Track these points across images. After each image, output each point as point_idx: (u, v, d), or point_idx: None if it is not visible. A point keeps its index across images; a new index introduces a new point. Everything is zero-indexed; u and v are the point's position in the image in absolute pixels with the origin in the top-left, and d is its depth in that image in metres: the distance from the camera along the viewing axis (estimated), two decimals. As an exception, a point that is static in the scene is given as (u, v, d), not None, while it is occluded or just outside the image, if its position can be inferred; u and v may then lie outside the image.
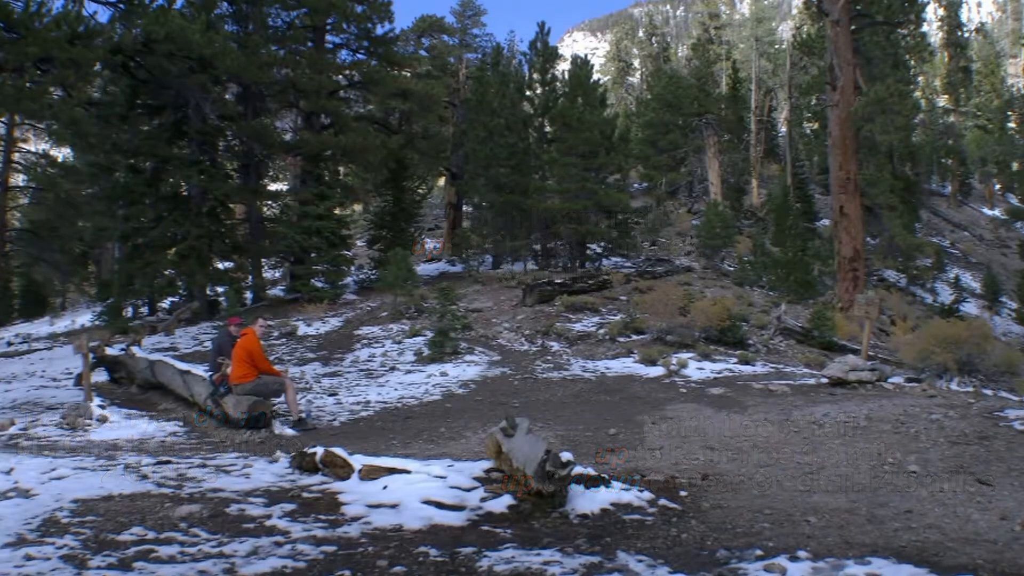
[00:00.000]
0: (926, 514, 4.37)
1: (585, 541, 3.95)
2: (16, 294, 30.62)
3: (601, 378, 10.71)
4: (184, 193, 19.71)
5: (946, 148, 40.23)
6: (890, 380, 9.15)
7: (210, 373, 9.04)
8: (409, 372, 11.76)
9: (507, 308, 16.62)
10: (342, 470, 4.96)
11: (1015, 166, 42.20)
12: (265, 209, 23.05)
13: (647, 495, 4.71)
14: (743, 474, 5.47)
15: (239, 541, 3.79)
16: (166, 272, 19.35)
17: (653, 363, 11.22)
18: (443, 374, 11.31)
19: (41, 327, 24.32)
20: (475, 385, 10.57)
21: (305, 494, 4.72)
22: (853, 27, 18.35)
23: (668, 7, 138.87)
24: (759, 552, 3.75)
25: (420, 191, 28.50)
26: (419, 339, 13.86)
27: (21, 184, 30.07)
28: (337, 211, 21.99)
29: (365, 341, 14.60)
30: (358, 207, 34.64)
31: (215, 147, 20.46)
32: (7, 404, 10.37)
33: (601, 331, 13.89)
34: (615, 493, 4.62)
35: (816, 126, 30.82)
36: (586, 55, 24.89)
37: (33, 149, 29.82)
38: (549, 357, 12.42)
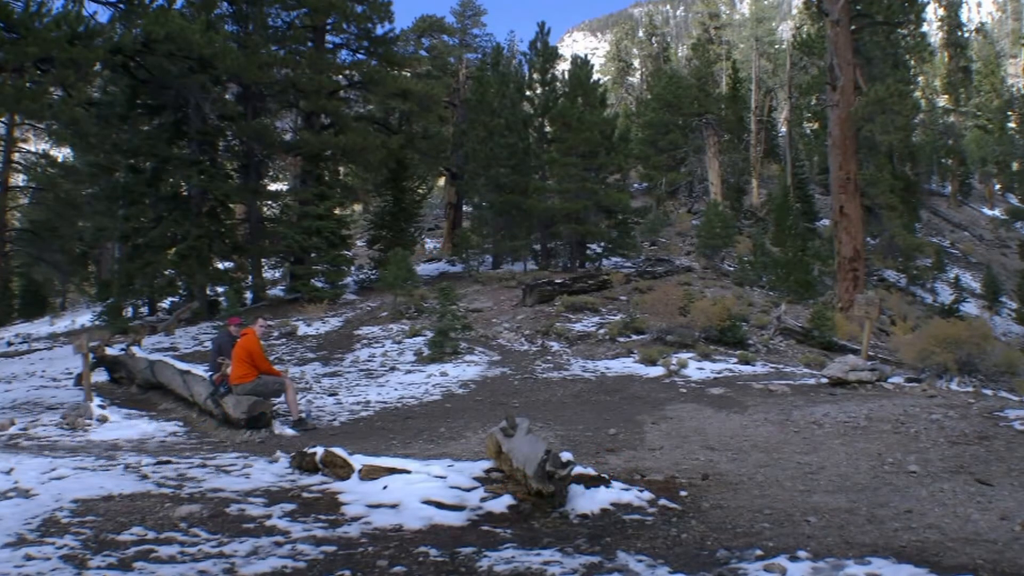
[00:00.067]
0: (926, 514, 4.37)
1: (585, 541, 3.95)
2: (16, 294, 30.63)
3: (601, 378, 10.71)
4: (184, 193, 19.71)
5: (946, 148, 40.24)
6: (890, 380, 9.15)
7: (210, 373, 9.04)
8: (409, 372, 11.76)
9: (507, 308, 16.62)
10: (342, 470, 4.96)
11: (1015, 166, 42.24)
12: (265, 209, 23.04)
13: (647, 495, 4.71)
14: (743, 474, 5.47)
15: (239, 541, 3.79)
16: (166, 272, 19.35)
17: (653, 363, 11.22)
18: (443, 374, 11.31)
19: (41, 327, 24.32)
20: (475, 385, 10.57)
21: (305, 494, 4.72)
22: (853, 27, 18.35)
23: (668, 7, 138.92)
24: (759, 552, 3.75)
25: (420, 191, 28.48)
26: (419, 339, 13.86)
27: (21, 184, 30.07)
28: (337, 211, 21.99)
29: (365, 341, 14.60)
30: (358, 207, 34.64)
31: (215, 147, 20.46)
32: (7, 404, 10.37)
33: (601, 331, 13.89)
34: (615, 493, 4.62)
35: (816, 126, 30.84)
36: (586, 55, 24.87)
37: (33, 149, 29.82)
38: (549, 357, 12.42)
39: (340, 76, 21.84)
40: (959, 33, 49.25)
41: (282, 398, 8.40)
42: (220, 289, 19.66)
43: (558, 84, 24.06)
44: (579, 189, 20.96)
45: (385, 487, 4.59)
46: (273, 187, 27.05)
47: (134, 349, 11.74)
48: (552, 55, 24.11)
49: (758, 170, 37.80)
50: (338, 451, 5.13)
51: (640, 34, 63.11)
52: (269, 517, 4.21)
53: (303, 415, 8.37)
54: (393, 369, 12.12)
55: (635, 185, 35.67)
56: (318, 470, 5.19)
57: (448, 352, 12.32)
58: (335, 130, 20.70)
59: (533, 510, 4.39)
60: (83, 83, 16.36)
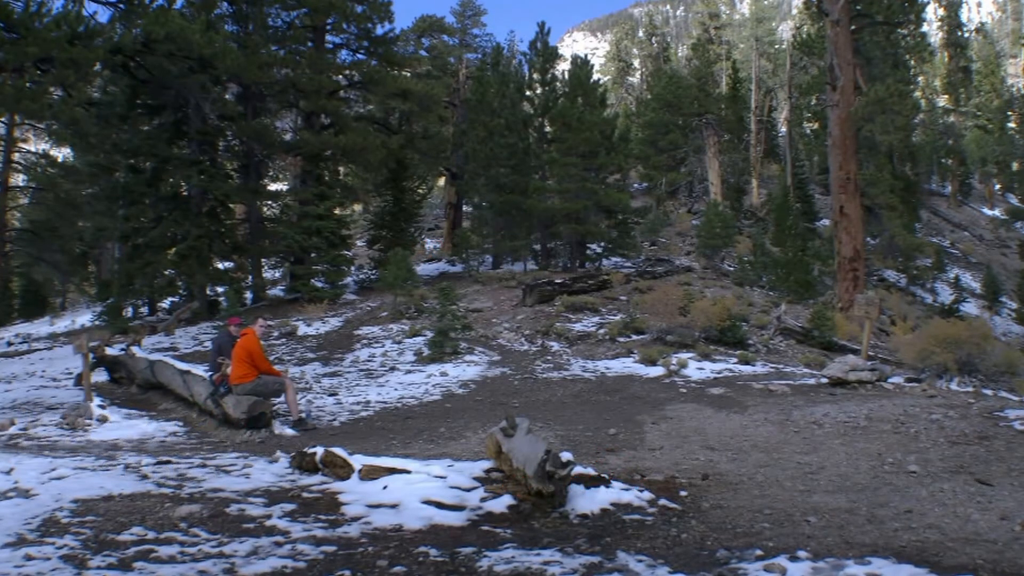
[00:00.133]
0: (926, 514, 4.37)
1: (585, 541, 3.95)
2: (16, 294, 30.63)
3: (601, 378, 10.71)
4: (184, 193, 19.71)
5: (946, 148, 40.24)
6: (890, 380, 9.15)
7: (210, 373, 9.04)
8: (409, 372, 11.76)
9: (507, 308, 16.62)
10: (342, 470, 4.96)
11: (1015, 166, 42.23)
12: (265, 209, 23.04)
13: (647, 495, 4.71)
14: (743, 474, 5.47)
15: (239, 541, 3.79)
16: (166, 272, 19.35)
17: (653, 363, 11.22)
18: (443, 374, 11.31)
19: (41, 327, 24.32)
20: (475, 385, 10.57)
21: (305, 494, 4.72)
22: (853, 27, 18.35)
23: (668, 7, 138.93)
24: (759, 552, 3.75)
25: (420, 191, 28.48)
26: (419, 339, 13.86)
27: (21, 184, 30.07)
28: (337, 211, 21.99)
29: (365, 341, 14.60)
30: (358, 207, 34.63)
31: (215, 147, 20.46)
32: (7, 404, 10.37)
33: (601, 331, 13.89)
34: (615, 493, 4.62)
35: (816, 126, 30.84)
36: (586, 55, 24.87)
37: (33, 149, 29.82)
38: (549, 357, 12.42)
39: (340, 76, 21.84)
40: (959, 33, 49.24)
41: (282, 398, 8.40)
42: (220, 289, 19.66)
43: (558, 84, 24.06)
44: (579, 189, 20.97)
45: (385, 487, 4.59)
46: (273, 187, 27.05)
47: (134, 349, 11.75)
48: (552, 55, 24.11)
49: (758, 170, 37.80)
50: (338, 451, 5.13)
51: (640, 34, 63.11)
52: (269, 517, 4.21)
53: (303, 415, 8.37)
54: (393, 369, 12.12)
55: (635, 185, 35.67)
56: (318, 470, 5.19)
57: (448, 352, 12.32)
58: (335, 130, 20.70)
59: (533, 510, 4.39)
60: (83, 83, 16.36)
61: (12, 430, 8.06)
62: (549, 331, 13.92)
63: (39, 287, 31.55)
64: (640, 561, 3.62)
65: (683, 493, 4.94)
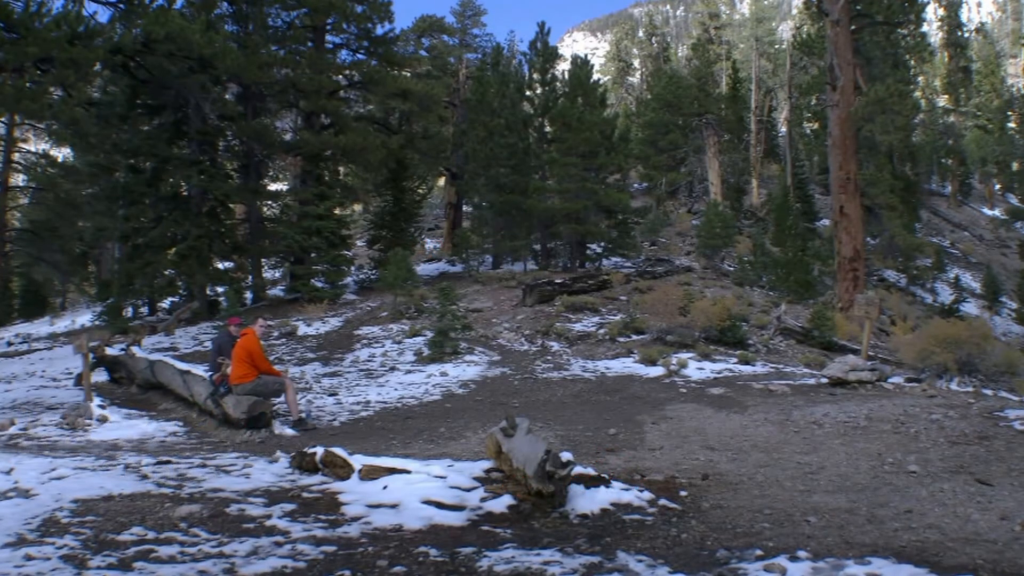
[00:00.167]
0: (926, 514, 4.37)
1: (585, 541, 3.95)
2: (16, 294, 30.63)
3: (601, 378, 10.71)
4: (184, 193, 19.71)
5: (946, 148, 40.24)
6: (890, 380, 9.15)
7: (210, 373, 9.04)
8: (409, 372, 11.76)
9: (507, 308, 16.62)
10: (342, 470, 4.96)
11: (1015, 166, 42.24)
12: (265, 209, 23.04)
13: (647, 495, 4.71)
14: (743, 474, 5.47)
15: (239, 541, 3.79)
16: (166, 272, 19.35)
17: (653, 363, 11.22)
18: (443, 374, 11.31)
19: (41, 327, 24.32)
20: (475, 385, 10.57)
21: (305, 494, 4.72)
22: (853, 27, 18.35)
23: (668, 7, 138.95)
24: (759, 552, 3.75)
25: (420, 191, 28.48)
26: (419, 339, 13.86)
27: (21, 184, 30.07)
28: (337, 211, 21.99)
29: (365, 341, 14.60)
30: (358, 207, 34.64)
31: (215, 147, 20.46)
32: (7, 404, 10.37)
33: (601, 331, 13.89)
34: (615, 493, 4.62)
35: (816, 126, 30.84)
36: (586, 55, 24.87)
37: (33, 149, 29.82)
38: (549, 357, 12.42)
39: (340, 76, 21.84)
40: (959, 33, 49.24)
41: (282, 398, 8.40)
42: (220, 289, 19.66)
43: (558, 84, 24.06)
44: (579, 189, 20.97)
45: (385, 487, 4.59)
46: (273, 187, 27.06)
47: (134, 349, 11.75)
48: (552, 55, 24.11)
49: (758, 170, 37.80)
50: (338, 451, 5.13)
51: (640, 34, 63.11)
52: (269, 517, 4.21)
53: (303, 415, 8.37)
54: (393, 369, 12.12)
55: (635, 185, 35.67)
56: (318, 470, 5.19)
57: (448, 352, 12.32)
58: (335, 130, 20.70)
59: (533, 510, 4.39)
60: (83, 83, 16.36)
61: (12, 430, 8.06)
62: (549, 331, 13.92)
63: (39, 287, 31.55)
64: (640, 561, 3.62)
65: (683, 493, 4.94)
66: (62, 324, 24.12)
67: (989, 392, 8.69)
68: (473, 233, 24.42)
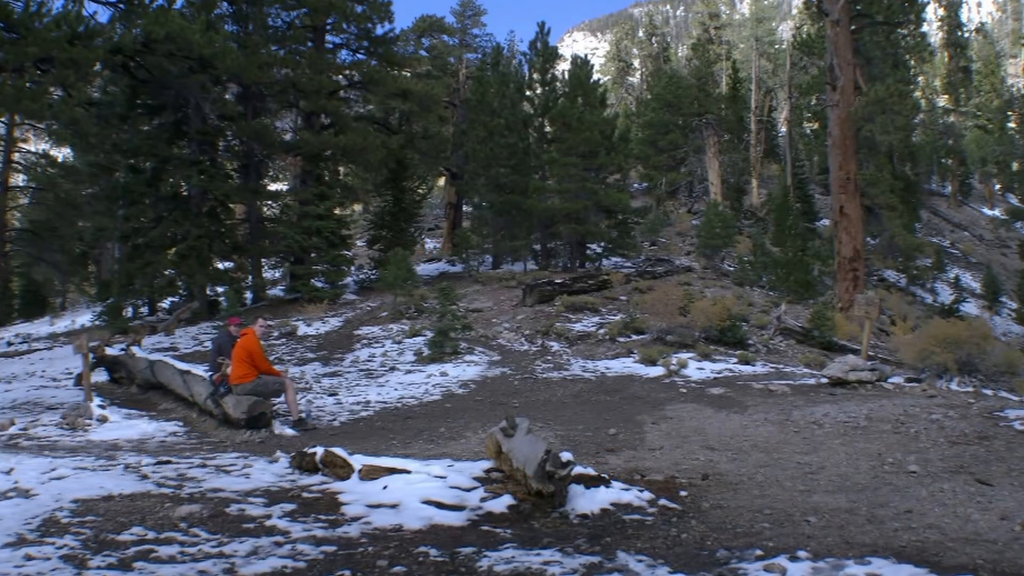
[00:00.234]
0: (926, 514, 4.37)
1: (585, 541, 3.95)
2: (16, 294, 30.63)
3: (601, 378, 10.71)
4: (184, 193, 19.71)
5: (946, 148, 40.24)
6: (890, 380, 9.14)
7: (210, 373, 9.04)
8: (409, 372, 11.76)
9: (507, 308, 16.62)
10: (342, 470, 4.96)
11: (1015, 166, 42.23)
12: (265, 209, 23.04)
13: (647, 495, 4.71)
14: (743, 474, 5.47)
15: (239, 541, 3.79)
16: (166, 272, 19.35)
17: (653, 363, 11.22)
18: (443, 374, 11.31)
19: (41, 327, 24.32)
20: (475, 385, 10.57)
21: (305, 494, 4.72)
22: (853, 27, 18.35)
23: (668, 7, 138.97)
24: (759, 552, 3.75)
25: (420, 191, 28.49)
26: (419, 339, 13.86)
27: (21, 184, 30.07)
28: (337, 211, 21.99)
29: (365, 341, 14.60)
30: (358, 207, 34.64)
31: (215, 147, 20.46)
32: (7, 404, 10.37)
33: (601, 331, 13.89)
34: (615, 493, 4.62)
35: (816, 126, 30.85)
36: (586, 55, 24.87)
37: (33, 149, 29.82)
38: (549, 357, 12.42)
39: (340, 76, 21.84)
40: (959, 33, 49.26)
41: (282, 398, 8.40)
42: (220, 289, 19.66)
43: (558, 84, 24.06)
44: (579, 189, 20.97)
45: (385, 487, 4.59)
46: (273, 187, 27.06)
47: (134, 349, 11.75)
48: (552, 55, 24.11)
49: (758, 170, 37.81)
50: (338, 451, 5.13)
51: (640, 34, 63.11)
52: (269, 517, 4.21)
53: (303, 415, 8.37)
54: (393, 369, 12.12)
55: (635, 185, 35.67)
56: (318, 470, 5.19)
57: (448, 352, 12.32)
58: (335, 130, 20.70)
59: (533, 510, 4.39)
60: (83, 83, 16.35)
61: (12, 430, 8.06)
62: (549, 331, 13.92)
63: (39, 287, 31.55)
64: (640, 561, 3.62)
65: (683, 493, 4.94)
66: (62, 324, 24.12)
67: (989, 392, 8.69)
68: (473, 233, 24.42)
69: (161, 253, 19.30)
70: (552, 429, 7.38)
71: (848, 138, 17.74)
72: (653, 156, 33.33)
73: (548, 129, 23.86)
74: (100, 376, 11.71)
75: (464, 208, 29.80)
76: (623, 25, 71.17)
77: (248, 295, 21.06)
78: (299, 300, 19.11)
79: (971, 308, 24.51)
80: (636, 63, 60.02)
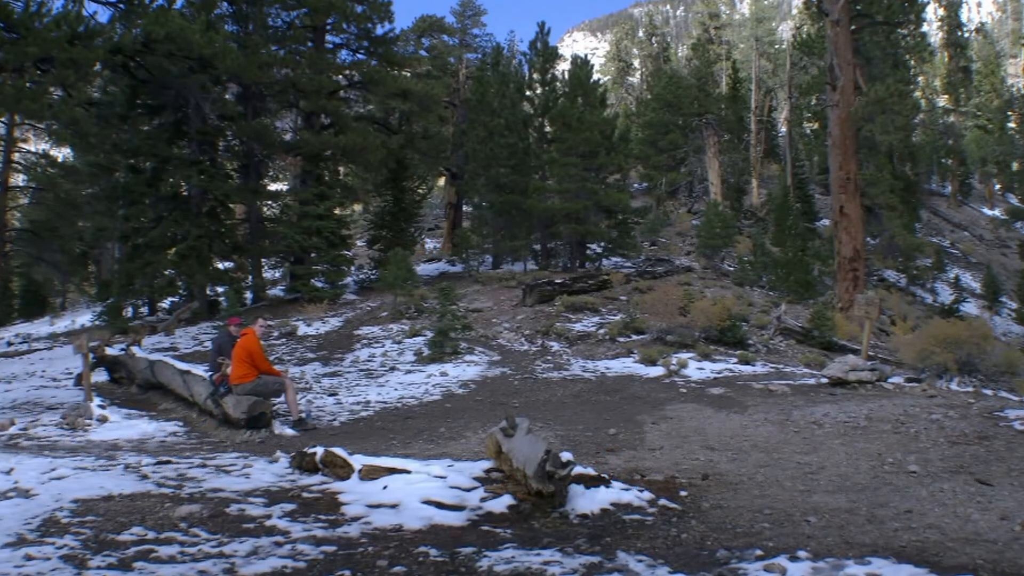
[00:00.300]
0: (926, 514, 4.37)
1: (585, 541, 3.95)
2: (16, 294, 30.62)
3: (601, 378, 10.71)
4: (184, 193, 19.71)
5: (946, 148, 40.24)
6: (890, 380, 9.14)
7: (210, 373, 9.04)
8: (409, 372, 11.76)
9: (507, 308, 16.62)
10: (342, 470, 4.96)
11: (1015, 166, 42.24)
12: (265, 209, 23.04)
13: (647, 495, 4.71)
14: (743, 474, 5.47)
15: (239, 541, 3.79)
16: (166, 272, 19.35)
17: (653, 363, 11.21)
18: (443, 374, 11.31)
19: (41, 327, 24.32)
20: (475, 385, 10.57)
21: (305, 494, 4.72)
22: (853, 27, 18.35)
23: (668, 7, 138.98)
24: (759, 552, 3.75)
25: (420, 191, 28.49)
26: (419, 339, 13.86)
27: (21, 184, 30.07)
28: (337, 211, 21.99)
29: (365, 341, 14.60)
30: (358, 207, 34.64)
31: (215, 147, 20.46)
32: (7, 404, 10.37)
33: (601, 331, 13.89)
34: (615, 493, 4.62)
35: (816, 126, 30.85)
36: (586, 55, 24.87)
37: (33, 149, 29.82)
38: (549, 357, 12.42)
39: (340, 76, 21.84)
40: (959, 33, 49.25)
41: (282, 398, 8.40)
42: (220, 289, 19.66)
43: (558, 84, 24.06)
44: (579, 189, 20.97)
45: (385, 487, 4.59)
46: (273, 187, 27.06)
47: (134, 349, 11.74)
48: (552, 55, 24.11)
49: (758, 170, 37.80)
50: (338, 451, 5.13)
51: (640, 34, 63.11)
52: (269, 517, 4.21)
53: (303, 415, 8.37)
54: (393, 369, 12.12)
55: (635, 185, 35.67)
56: (318, 470, 5.19)
57: (448, 352, 12.32)
58: (335, 130, 20.70)
59: (533, 510, 4.39)
60: (83, 83, 16.35)
61: (12, 430, 8.06)
62: (549, 331, 13.92)
63: (39, 287, 31.55)
64: (640, 561, 3.62)
65: (683, 493, 4.94)
66: (62, 324, 24.12)
67: (989, 392, 8.69)
68: (473, 233, 24.42)
69: (161, 253, 19.30)
70: (552, 429, 7.38)
71: (848, 138, 17.73)
72: (653, 156, 33.33)
73: (548, 129, 23.86)
74: (100, 376, 11.71)
75: (464, 208, 29.81)
76: (623, 25, 71.18)
77: (248, 295, 21.06)
78: (299, 300, 19.11)
79: (971, 308, 24.51)
80: (636, 63, 60.02)
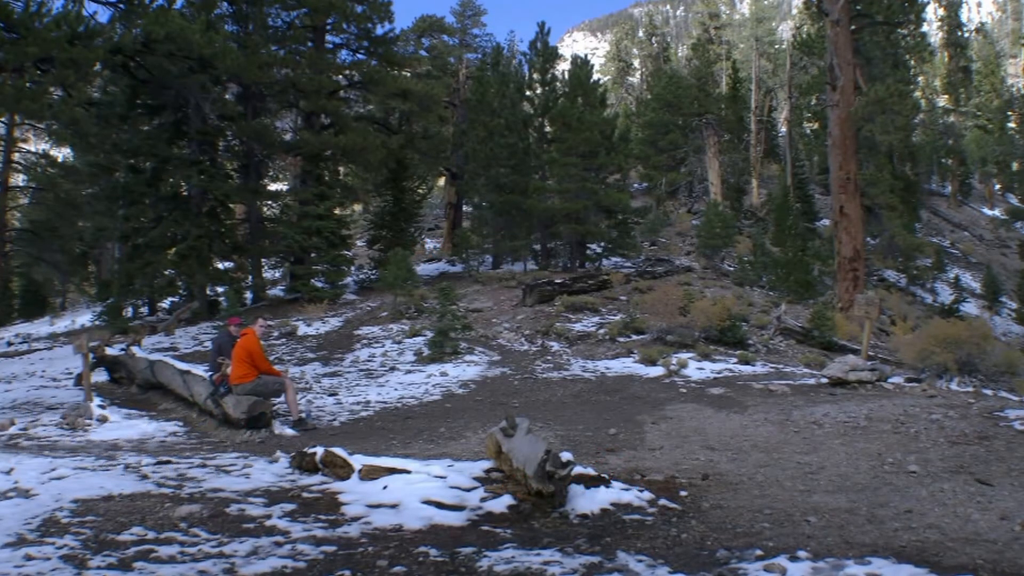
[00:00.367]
0: (926, 514, 4.37)
1: (585, 541, 3.95)
2: (16, 294, 30.62)
3: (601, 378, 10.71)
4: (184, 193, 19.71)
5: (946, 148, 40.23)
6: (890, 380, 9.14)
7: (210, 373, 9.04)
8: (409, 372, 11.76)
9: (507, 308, 16.62)
10: (342, 470, 4.96)
11: (1015, 166, 42.23)
12: (265, 209, 23.04)
13: (647, 495, 4.71)
14: (743, 474, 5.47)
15: (239, 541, 3.79)
16: (166, 272, 19.36)
17: (653, 363, 11.21)
18: (443, 374, 11.31)
19: (41, 327, 24.32)
20: (475, 385, 10.57)
21: (305, 494, 4.72)
22: (853, 27, 18.34)
23: (668, 7, 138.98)
24: (759, 552, 3.75)
25: (420, 191, 28.49)
26: (419, 339, 13.86)
27: (21, 184, 30.07)
28: (337, 211, 21.99)
29: (365, 341, 14.60)
30: (358, 207, 34.64)
31: (215, 147, 20.46)
32: (7, 404, 10.37)
33: (601, 331, 13.89)
34: (615, 493, 4.62)
35: (816, 126, 30.84)
36: (586, 55, 24.87)
37: (33, 149, 29.82)
38: (549, 357, 12.42)
39: (340, 76, 21.84)
40: (959, 33, 49.24)
41: (282, 398, 8.40)
42: (220, 289, 19.67)
43: (558, 84, 24.06)
44: (579, 189, 20.97)
45: (385, 487, 4.59)
46: (273, 187, 27.06)
47: (134, 349, 11.74)
48: (552, 55, 24.12)
49: (758, 170, 37.80)
50: (338, 451, 5.13)
51: (640, 34, 63.10)
52: (269, 517, 4.21)
53: (303, 415, 8.37)
54: (393, 369, 12.12)
55: (635, 185, 35.67)
56: (318, 470, 5.19)
57: (448, 352, 12.32)
58: (335, 130, 20.70)
59: (533, 510, 4.39)
60: (83, 83, 16.35)
61: (12, 430, 8.06)
62: (549, 331, 13.92)
63: (39, 287, 31.56)
64: (640, 561, 3.62)
65: (683, 493, 4.94)
66: (62, 324, 24.12)
67: (989, 392, 8.69)
68: (473, 233, 24.42)
69: (161, 253, 19.30)
70: (552, 429, 7.38)
71: (848, 138, 17.73)
72: (653, 156, 33.33)
73: (548, 129, 23.86)
74: (100, 376, 11.71)
75: (464, 208, 29.81)
76: (623, 25, 71.17)
77: (248, 295, 21.06)
78: (299, 300, 19.11)
79: (971, 308, 24.51)
80: (636, 63, 60.01)
